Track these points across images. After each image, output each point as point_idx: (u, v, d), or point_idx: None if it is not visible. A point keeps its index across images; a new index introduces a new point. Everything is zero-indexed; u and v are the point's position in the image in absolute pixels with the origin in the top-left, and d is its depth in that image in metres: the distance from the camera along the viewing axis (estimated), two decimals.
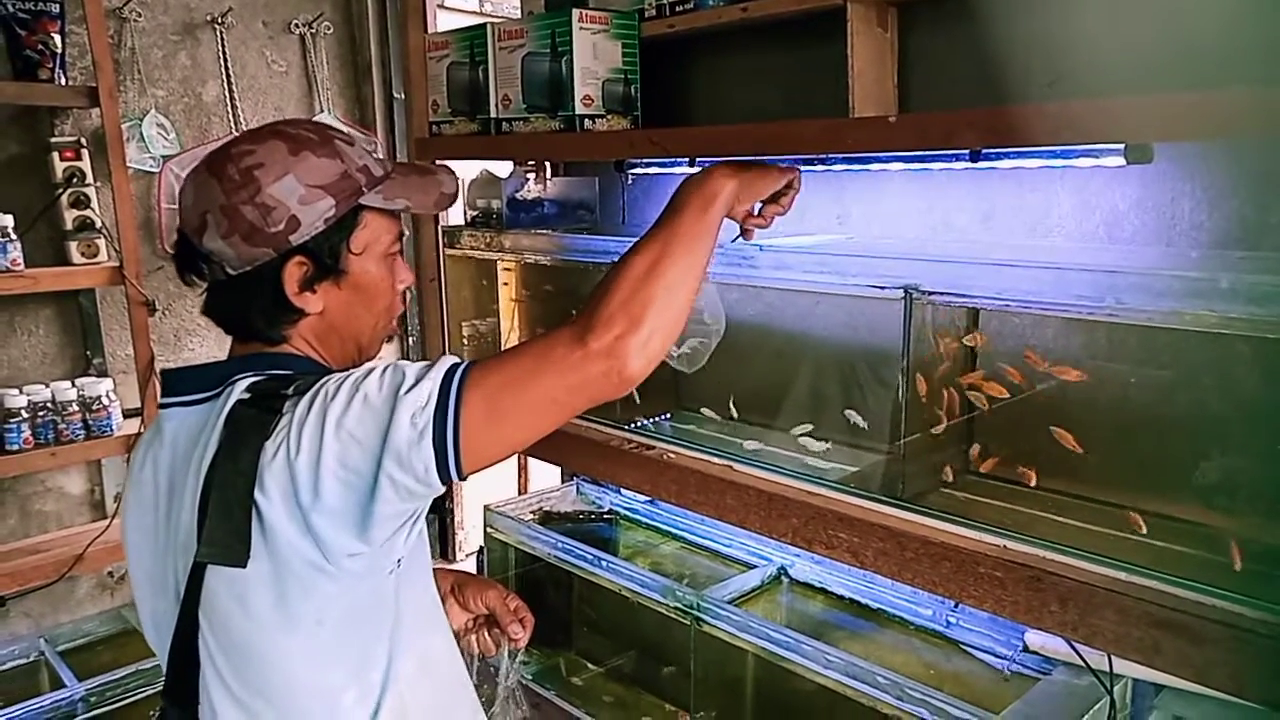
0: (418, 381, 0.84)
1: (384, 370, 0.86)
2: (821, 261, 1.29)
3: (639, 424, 1.60)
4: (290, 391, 0.90)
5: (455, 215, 2.16)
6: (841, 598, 1.60)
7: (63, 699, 1.81)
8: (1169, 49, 1.11)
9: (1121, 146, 1.13)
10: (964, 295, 1.15)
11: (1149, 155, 1.16)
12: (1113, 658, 1.18)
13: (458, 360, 0.87)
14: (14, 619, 2.17)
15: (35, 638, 2.12)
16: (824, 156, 1.55)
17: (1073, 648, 1.22)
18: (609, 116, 1.62)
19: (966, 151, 1.33)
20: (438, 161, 1.70)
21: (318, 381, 0.88)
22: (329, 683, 0.91)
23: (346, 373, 0.88)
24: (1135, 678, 1.20)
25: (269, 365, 0.95)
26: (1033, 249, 1.32)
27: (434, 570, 1.10)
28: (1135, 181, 1.25)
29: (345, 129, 1.03)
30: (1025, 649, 1.32)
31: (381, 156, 1.05)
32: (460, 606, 1.16)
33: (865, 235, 1.56)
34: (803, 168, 1.63)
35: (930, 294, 1.16)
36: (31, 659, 2.10)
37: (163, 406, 0.96)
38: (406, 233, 1.09)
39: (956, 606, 1.44)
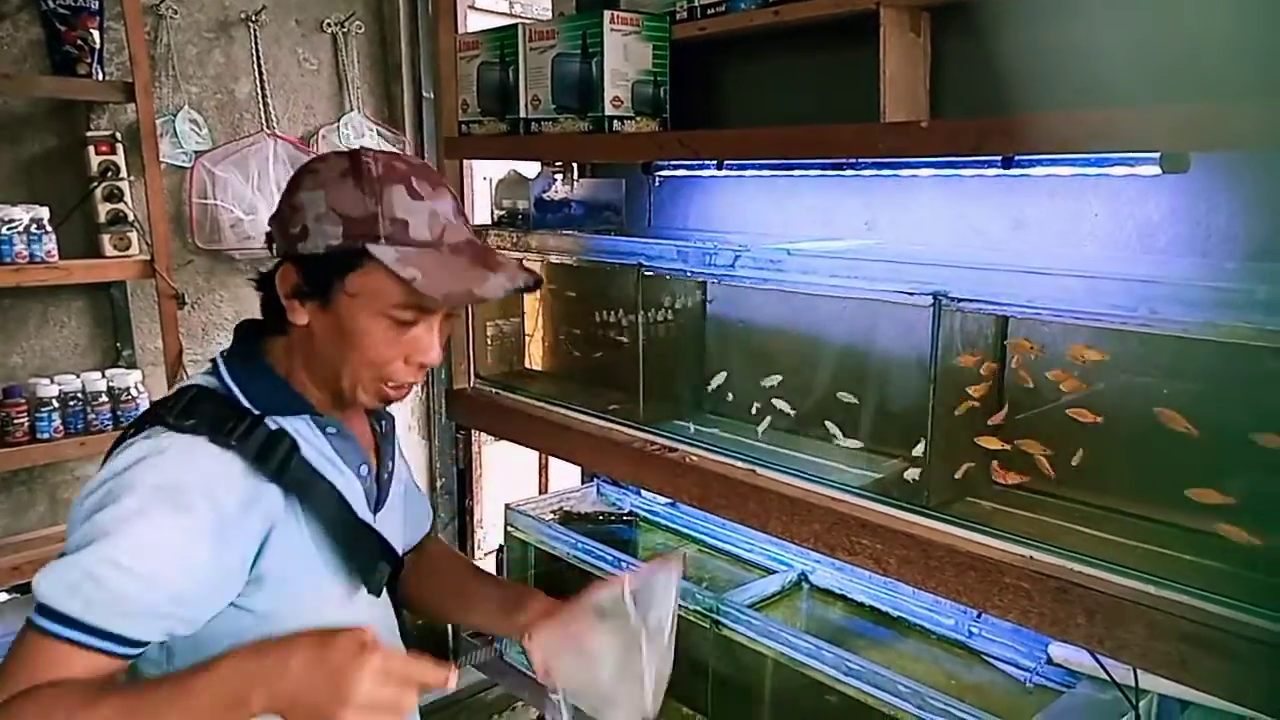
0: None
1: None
2: (849, 266, 1.28)
3: (659, 428, 1.60)
4: (132, 431, 0.95)
5: (482, 215, 2.17)
6: (862, 605, 1.59)
7: None
8: (1207, 57, 1.09)
9: (1157, 155, 1.12)
10: (993, 303, 1.14)
11: (1185, 164, 1.15)
12: (1139, 672, 1.16)
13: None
14: None
15: None
16: (854, 161, 1.55)
17: (1098, 661, 1.20)
18: (638, 118, 1.62)
19: (999, 158, 1.32)
20: (471, 163, 1.70)
21: (137, 435, 0.92)
22: None
23: (102, 483, 0.88)
24: (1161, 693, 1.18)
25: (214, 379, 1.00)
26: (1064, 258, 1.31)
27: (523, 593, 1.15)
28: (1170, 191, 1.24)
29: (434, 191, 0.98)
30: (1049, 661, 1.31)
31: (461, 233, 0.98)
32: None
33: (893, 242, 1.55)
34: (831, 172, 1.64)
35: (959, 300, 1.16)
36: None
37: None
38: (455, 314, 1.04)
39: (979, 616, 1.42)
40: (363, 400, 1.01)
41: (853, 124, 1.31)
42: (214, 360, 1.03)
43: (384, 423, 1.15)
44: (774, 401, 1.50)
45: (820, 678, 1.31)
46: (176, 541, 0.87)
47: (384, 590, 1.09)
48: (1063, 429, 1.15)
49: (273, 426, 0.97)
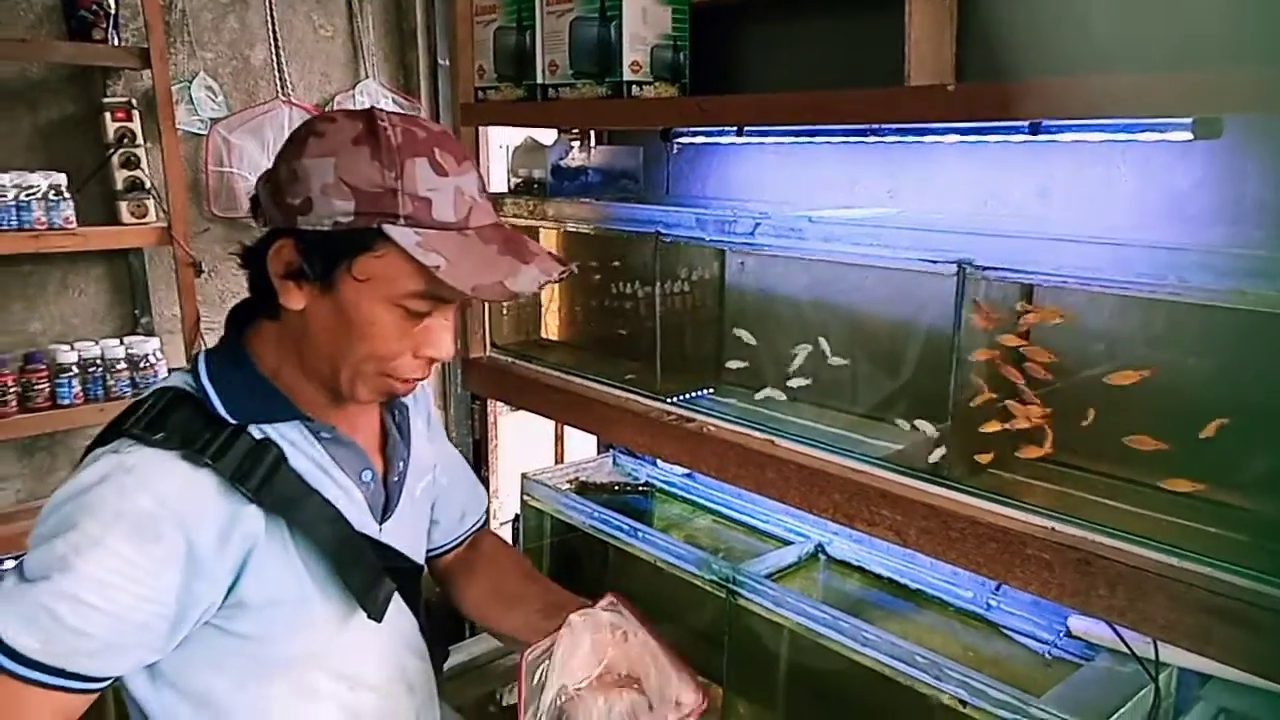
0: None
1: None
2: (872, 234, 1.26)
3: (678, 399, 1.59)
4: (94, 445, 0.88)
5: (498, 183, 2.16)
6: (880, 577, 1.59)
7: None
8: (1245, 17, 1.06)
9: (1189, 120, 1.09)
10: (1020, 271, 1.12)
11: (1218, 130, 1.12)
12: (1159, 646, 1.15)
13: None
14: None
15: None
16: (876, 127, 1.52)
17: (1117, 634, 1.19)
18: (657, 84, 1.60)
19: (1025, 124, 1.29)
20: (486, 130, 1.66)
21: (100, 451, 0.85)
22: None
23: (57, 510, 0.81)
24: (1181, 666, 1.17)
25: (191, 381, 0.91)
26: (1090, 226, 1.28)
27: (569, 600, 1.08)
28: (1201, 158, 1.21)
29: (459, 165, 0.87)
30: (1068, 634, 1.30)
31: (488, 215, 0.87)
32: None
33: (916, 210, 1.53)
34: (854, 139, 1.61)
35: (985, 269, 1.14)
36: None
37: None
38: (467, 304, 0.94)
39: (998, 589, 1.42)
40: (361, 395, 0.92)
41: (876, 88, 1.28)
42: (195, 357, 0.94)
43: (396, 414, 1.06)
44: (792, 383, 1.49)
45: (837, 648, 1.31)
46: (141, 573, 0.80)
47: (396, 605, 1.01)
48: (1086, 399, 1.13)
49: (257, 436, 0.89)
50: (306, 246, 0.85)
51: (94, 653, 0.79)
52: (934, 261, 1.18)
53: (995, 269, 1.13)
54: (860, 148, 1.62)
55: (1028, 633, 1.37)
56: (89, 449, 0.89)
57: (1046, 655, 1.33)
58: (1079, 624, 1.28)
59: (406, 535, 1.06)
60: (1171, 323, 1.13)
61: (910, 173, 1.56)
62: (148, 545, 0.80)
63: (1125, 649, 1.19)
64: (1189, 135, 1.11)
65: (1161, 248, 0.98)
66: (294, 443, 0.93)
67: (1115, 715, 1.12)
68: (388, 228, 0.82)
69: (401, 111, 0.93)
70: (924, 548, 1.16)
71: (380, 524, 1.01)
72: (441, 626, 1.22)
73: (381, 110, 0.87)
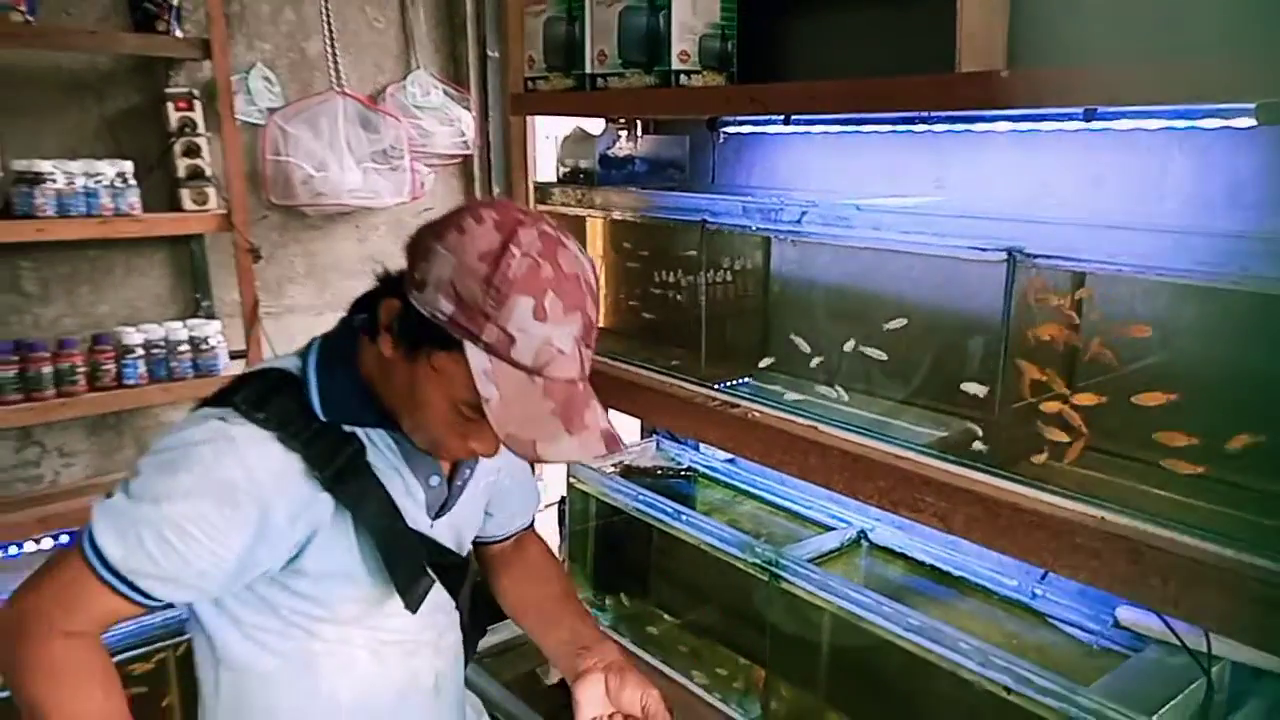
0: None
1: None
2: (920, 222, 1.26)
3: (722, 385, 1.60)
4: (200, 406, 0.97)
5: (546, 172, 2.18)
6: (922, 564, 1.59)
7: (171, 617, 1.93)
8: None
9: (1253, 106, 1.07)
10: (1071, 259, 1.11)
11: None
12: (1211, 638, 1.14)
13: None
14: None
15: None
16: (924, 116, 1.52)
17: (1168, 626, 1.18)
18: (705, 72, 1.61)
19: (1080, 111, 1.28)
20: (538, 115, 1.66)
21: (213, 414, 0.93)
22: None
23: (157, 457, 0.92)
24: (1235, 660, 1.16)
25: (299, 366, 0.99)
26: (1145, 214, 1.27)
27: (595, 641, 1.12)
28: (1264, 145, 1.19)
29: (565, 313, 0.88)
30: (1116, 624, 1.29)
31: (568, 369, 0.88)
32: (608, 694, 1.06)
33: (965, 199, 1.52)
34: (901, 128, 1.60)
35: (1035, 257, 1.13)
36: None
37: None
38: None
39: (1044, 578, 1.41)
40: (417, 443, 0.99)
41: (927, 75, 1.27)
42: (311, 342, 1.01)
43: None
44: (863, 350, 1.48)
45: (880, 633, 1.32)
46: (214, 530, 0.90)
47: (436, 589, 1.08)
48: (1137, 388, 1.12)
49: (345, 428, 0.97)
50: (408, 315, 0.90)
51: (160, 579, 0.91)
52: (983, 249, 1.17)
53: (1046, 257, 1.13)
54: (908, 137, 1.61)
55: (1074, 622, 1.37)
56: (199, 405, 0.98)
57: (1093, 645, 1.33)
58: (1128, 614, 1.27)
59: (457, 530, 1.12)
60: (1232, 311, 1.11)
61: (959, 162, 1.55)
62: (226, 509, 0.90)
63: (1176, 640, 1.18)
64: (1252, 121, 1.09)
65: (1220, 235, 0.97)
66: (374, 440, 1.00)
67: (1165, 708, 1.11)
68: (468, 345, 0.86)
69: (553, 232, 0.85)
70: (970, 534, 1.16)
71: (433, 520, 1.08)
72: (483, 608, 1.29)
73: (530, 230, 0.88)
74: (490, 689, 2.10)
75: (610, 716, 1.05)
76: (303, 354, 1.01)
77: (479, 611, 1.26)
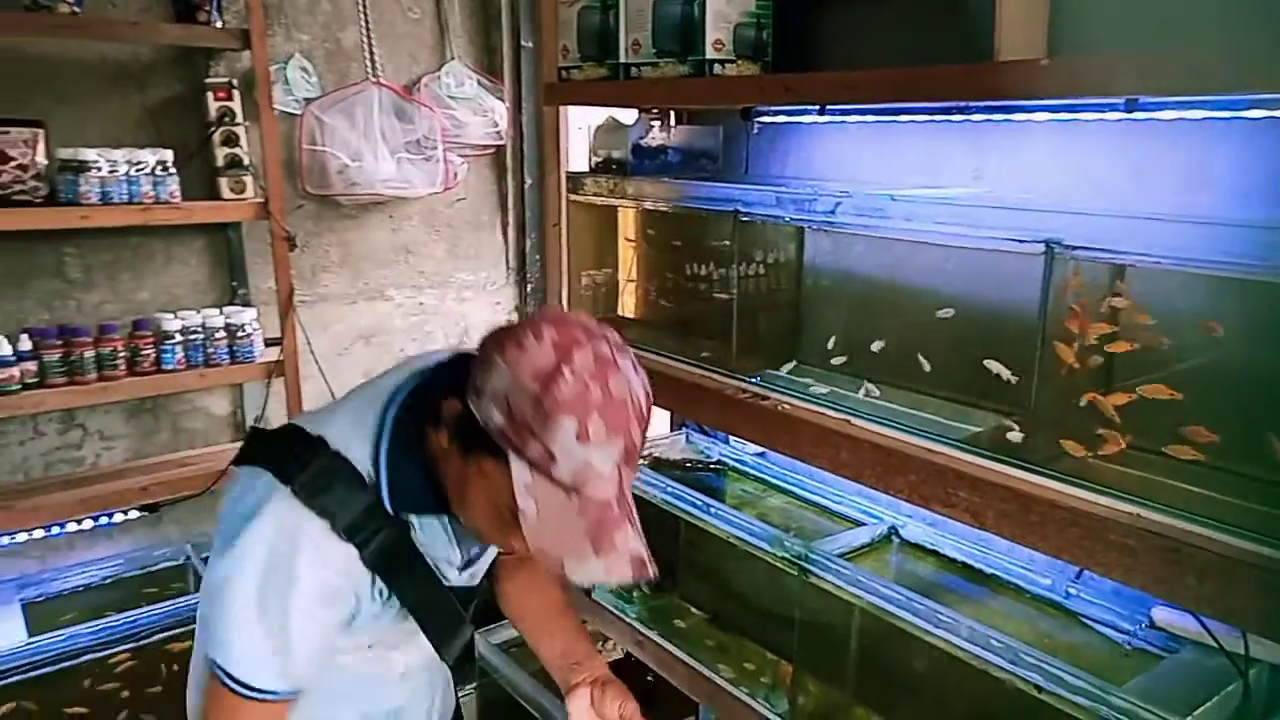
0: None
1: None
2: (956, 213, 1.25)
3: (753, 378, 1.60)
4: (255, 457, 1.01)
5: (578, 162, 2.19)
6: (954, 561, 1.57)
7: (168, 611, 1.98)
8: None
9: None
10: (1111, 251, 1.09)
11: None
12: (1250, 640, 1.12)
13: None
14: (165, 525, 2.36)
15: (183, 543, 2.31)
16: (962, 106, 1.49)
17: (1205, 627, 1.16)
18: (739, 62, 1.60)
19: (1121, 101, 1.26)
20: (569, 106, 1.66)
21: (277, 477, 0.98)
22: None
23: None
24: (1274, 663, 1.13)
25: (366, 449, 1.00)
26: (1186, 206, 1.24)
27: (586, 656, 1.20)
28: None
29: (609, 436, 0.90)
30: (1151, 625, 1.27)
31: (606, 489, 0.91)
32: (594, 705, 1.17)
33: (1003, 191, 1.49)
34: (939, 118, 1.58)
35: (1074, 249, 1.11)
36: (180, 562, 2.29)
37: None
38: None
39: (1078, 577, 1.39)
40: (466, 528, 1.04)
41: (965, 64, 1.25)
42: (383, 424, 1.01)
43: None
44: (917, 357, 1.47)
45: (909, 629, 1.31)
46: (329, 626, 1.01)
47: None
48: (1174, 385, 1.10)
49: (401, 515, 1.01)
50: (465, 418, 0.93)
51: (302, 678, 1.01)
52: (1021, 241, 1.16)
53: (1085, 248, 1.11)
54: (945, 127, 1.59)
55: (1108, 622, 1.34)
56: (251, 455, 1.03)
57: (1127, 646, 1.30)
58: (1164, 615, 1.25)
59: (478, 572, 1.17)
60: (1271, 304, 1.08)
61: (997, 153, 1.52)
62: (336, 606, 1.00)
63: (1212, 642, 1.16)
64: None
65: (1265, 228, 0.94)
66: (427, 522, 1.05)
67: (1199, 710, 1.09)
68: (513, 457, 0.89)
69: (608, 352, 0.92)
70: (1002, 530, 1.15)
71: (462, 571, 1.12)
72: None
73: (586, 351, 0.90)
74: (518, 678, 2.12)
75: None
76: (375, 435, 1.01)
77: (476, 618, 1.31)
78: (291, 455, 1.00)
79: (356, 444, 1.01)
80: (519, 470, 0.89)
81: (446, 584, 1.08)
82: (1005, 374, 1.22)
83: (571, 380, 0.88)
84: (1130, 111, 1.25)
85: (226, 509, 1.02)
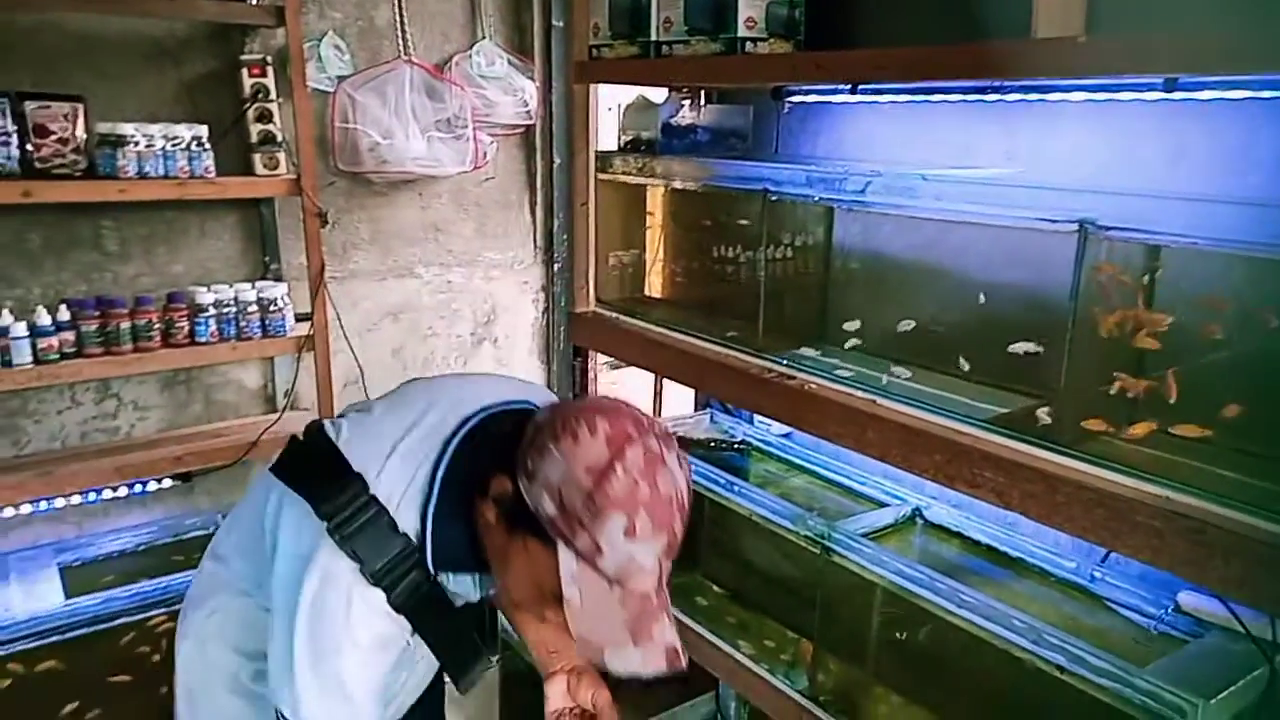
0: None
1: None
2: (988, 192, 1.24)
3: (780, 357, 1.59)
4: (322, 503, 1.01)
5: (608, 141, 2.19)
6: (978, 543, 1.57)
7: (167, 586, 2.01)
8: None
9: None
10: (1146, 231, 1.08)
11: None
12: (1277, 625, 1.11)
13: None
14: (198, 495, 2.40)
15: (215, 513, 2.35)
16: (996, 85, 1.48)
17: (1231, 611, 1.15)
18: (771, 40, 1.59)
19: (1160, 80, 1.24)
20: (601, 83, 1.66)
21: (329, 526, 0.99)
22: None
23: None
24: None
25: (414, 508, 1.02)
26: (1225, 188, 1.22)
27: (564, 646, 1.21)
28: None
29: (654, 532, 0.93)
30: (1177, 609, 1.27)
31: (646, 582, 0.93)
32: (569, 691, 1.21)
33: (1037, 172, 1.48)
34: (972, 97, 1.56)
35: (1108, 229, 1.10)
36: (210, 531, 2.33)
37: None
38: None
39: (1104, 560, 1.38)
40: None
41: (1000, 42, 1.24)
42: (431, 482, 1.02)
43: None
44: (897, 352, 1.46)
45: (932, 609, 1.31)
46: (386, 668, 1.04)
47: None
48: (1205, 368, 1.09)
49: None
50: (515, 498, 0.95)
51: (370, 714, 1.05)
52: (1054, 220, 1.15)
53: (1119, 229, 1.10)
54: (978, 107, 1.57)
55: (1133, 606, 1.34)
56: (278, 467, 1.09)
57: (1152, 630, 1.30)
58: (1190, 599, 1.24)
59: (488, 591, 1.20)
60: None
61: (1030, 134, 1.51)
62: (391, 651, 1.04)
63: (1239, 627, 1.15)
64: None
65: None
66: (461, 576, 1.08)
67: (1223, 694, 1.08)
68: (561, 546, 0.92)
69: (657, 447, 0.95)
70: (1028, 511, 1.15)
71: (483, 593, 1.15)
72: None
73: (637, 447, 0.92)
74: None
75: (570, 710, 1.21)
76: (424, 498, 1.02)
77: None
78: (331, 492, 1.02)
79: (405, 506, 1.02)
80: (566, 559, 0.91)
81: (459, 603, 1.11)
82: (1030, 347, 1.21)
83: (623, 477, 0.90)
84: (1170, 91, 1.23)
85: (279, 539, 1.05)
